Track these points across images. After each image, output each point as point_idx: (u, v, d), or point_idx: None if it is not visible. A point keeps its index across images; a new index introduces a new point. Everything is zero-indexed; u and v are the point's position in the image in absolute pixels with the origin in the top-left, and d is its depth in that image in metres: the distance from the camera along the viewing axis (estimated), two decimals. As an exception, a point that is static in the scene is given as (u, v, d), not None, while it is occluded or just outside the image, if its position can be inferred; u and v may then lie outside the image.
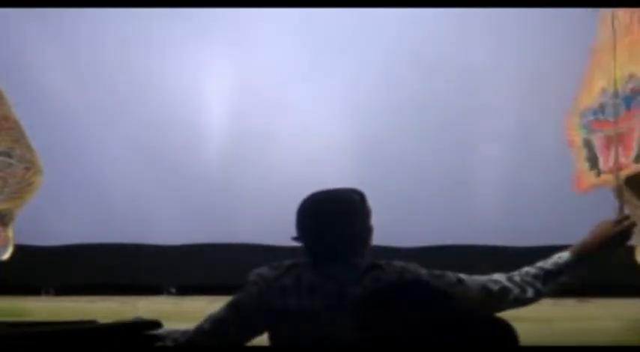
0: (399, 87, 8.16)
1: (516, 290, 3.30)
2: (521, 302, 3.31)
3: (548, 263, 3.35)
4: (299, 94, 8.29)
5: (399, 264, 3.01)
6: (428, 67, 8.09)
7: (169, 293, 8.52)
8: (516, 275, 3.30)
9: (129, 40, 8.28)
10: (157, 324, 3.31)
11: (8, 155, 7.09)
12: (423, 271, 3.06)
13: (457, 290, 3.05)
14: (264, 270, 3.00)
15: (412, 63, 8.11)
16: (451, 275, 3.14)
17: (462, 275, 3.17)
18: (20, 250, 7.36)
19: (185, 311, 7.43)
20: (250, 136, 8.33)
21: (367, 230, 3.11)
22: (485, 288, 3.16)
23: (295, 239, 3.08)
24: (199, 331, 3.08)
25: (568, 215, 8.04)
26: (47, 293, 8.48)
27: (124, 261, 8.46)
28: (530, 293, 3.34)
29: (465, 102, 8.20)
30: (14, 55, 8.06)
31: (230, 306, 3.05)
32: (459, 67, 8.12)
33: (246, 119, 8.35)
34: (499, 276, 3.24)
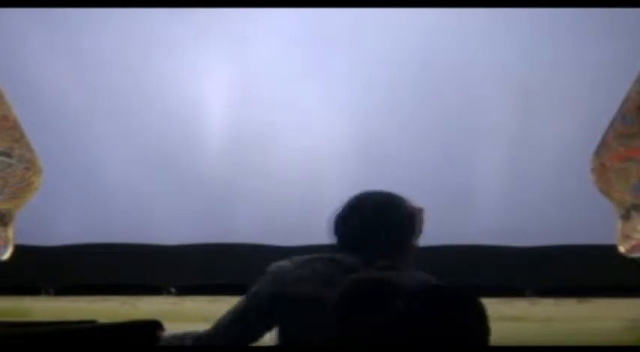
0: (400, 86, 8.16)
1: None
2: None
3: None
4: (299, 94, 8.30)
5: (419, 273, 3.03)
6: (428, 66, 8.10)
7: (169, 293, 8.52)
8: None
9: (129, 41, 8.28)
10: (157, 324, 3.31)
11: (8, 155, 7.09)
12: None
13: None
14: (283, 262, 3.11)
15: (413, 62, 8.11)
16: None
17: None
18: (20, 250, 7.36)
19: (185, 311, 7.44)
20: (250, 136, 8.33)
21: (406, 244, 3.15)
22: None
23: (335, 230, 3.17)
24: (218, 323, 3.12)
25: (568, 215, 8.05)
26: (47, 293, 8.47)
27: (124, 261, 8.47)
28: None
29: (466, 102, 8.20)
30: (15, 55, 8.07)
31: (248, 295, 3.11)
32: (459, 66, 8.13)
33: (247, 119, 8.35)
34: None
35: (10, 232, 7.15)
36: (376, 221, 3.11)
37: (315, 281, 3.00)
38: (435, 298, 2.39)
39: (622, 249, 7.04)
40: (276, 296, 3.03)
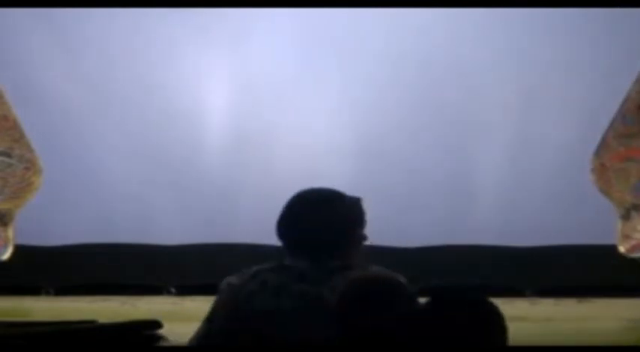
0: (399, 86, 8.16)
1: None
2: None
3: None
4: (299, 93, 8.30)
5: (375, 268, 2.92)
6: (428, 65, 8.10)
7: (169, 293, 8.52)
8: None
9: (129, 41, 8.28)
10: (157, 324, 3.31)
11: (8, 155, 7.08)
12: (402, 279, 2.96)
13: None
14: (232, 278, 2.98)
15: (413, 62, 8.11)
16: None
17: None
18: (20, 250, 7.36)
19: (185, 311, 7.43)
20: (250, 136, 8.33)
21: (353, 237, 3.03)
22: None
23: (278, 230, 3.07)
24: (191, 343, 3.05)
25: (568, 215, 8.05)
26: (47, 293, 8.47)
27: (124, 261, 8.46)
28: None
29: (465, 101, 8.20)
30: (15, 55, 8.06)
31: (206, 320, 3.02)
32: (458, 65, 8.13)
33: (247, 119, 8.35)
34: None
35: (10, 232, 7.15)
36: (317, 219, 3.00)
37: (267, 294, 2.89)
38: (440, 299, 2.38)
39: (622, 249, 7.05)
40: (230, 317, 2.95)
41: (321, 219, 3.00)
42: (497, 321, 2.37)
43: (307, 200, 3.08)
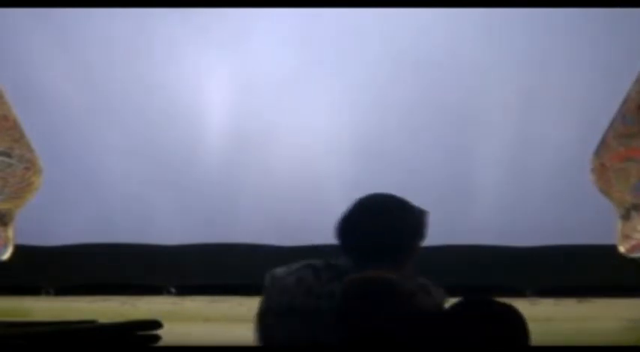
0: (399, 85, 8.16)
1: None
2: None
3: None
4: (299, 93, 8.30)
5: (421, 278, 2.95)
6: (427, 65, 8.09)
7: (169, 293, 8.52)
8: None
9: (130, 41, 8.28)
10: (157, 324, 3.31)
11: (8, 155, 7.09)
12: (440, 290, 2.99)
13: None
14: (278, 271, 2.98)
15: (412, 61, 8.11)
16: None
17: None
18: (20, 250, 7.36)
19: (185, 311, 7.43)
20: (250, 136, 8.33)
21: (414, 248, 3.08)
22: None
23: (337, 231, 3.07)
24: None
25: (568, 215, 8.05)
26: (47, 293, 8.48)
27: (124, 261, 8.46)
28: None
29: (465, 101, 8.20)
30: (15, 55, 8.06)
31: (255, 316, 3.01)
32: (458, 65, 8.13)
33: (247, 119, 8.35)
34: None
35: (10, 232, 7.15)
36: (382, 224, 3.01)
37: (298, 291, 2.87)
38: (463, 302, 2.37)
39: (622, 249, 7.06)
40: (267, 308, 2.92)
41: (383, 224, 3.02)
42: (521, 326, 2.37)
43: (374, 204, 3.10)
